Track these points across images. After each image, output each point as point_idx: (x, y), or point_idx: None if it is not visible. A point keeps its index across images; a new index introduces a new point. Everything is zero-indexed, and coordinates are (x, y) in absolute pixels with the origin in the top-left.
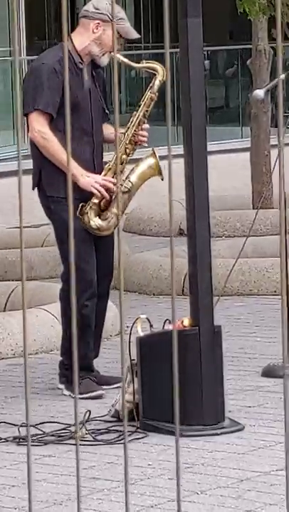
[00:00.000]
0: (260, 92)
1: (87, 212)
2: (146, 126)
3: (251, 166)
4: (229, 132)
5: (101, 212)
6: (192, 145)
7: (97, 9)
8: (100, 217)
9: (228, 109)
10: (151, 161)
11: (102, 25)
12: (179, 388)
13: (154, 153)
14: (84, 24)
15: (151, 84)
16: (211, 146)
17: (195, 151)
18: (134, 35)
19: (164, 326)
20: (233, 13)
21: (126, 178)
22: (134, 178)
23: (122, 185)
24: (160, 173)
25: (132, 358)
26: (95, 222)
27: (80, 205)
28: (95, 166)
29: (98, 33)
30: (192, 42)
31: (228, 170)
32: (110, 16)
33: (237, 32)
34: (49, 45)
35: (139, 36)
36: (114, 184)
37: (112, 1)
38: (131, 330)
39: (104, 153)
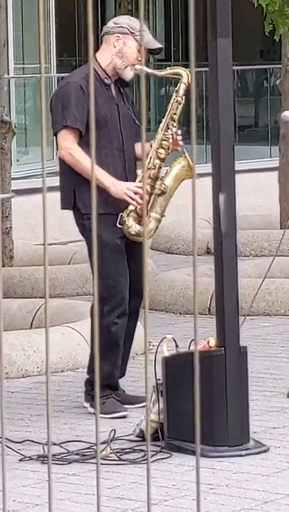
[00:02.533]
0: (288, 114)
1: (125, 220)
2: (178, 131)
3: (279, 185)
4: (258, 151)
5: (140, 218)
6: (220, 164)
7: (116, 24)
8: (138, 224)
9: (257, 128)
10: (182, 162)
11: (122, 38)
12: (205, 409)
13: (185, 154)
14: (106, 40)
15: (176, 88)
16: (239, 165)
17: (223, 169)
18: (155, 44)
19: (189, 347)
20: (263, 32)
21: (160, 181)
22: (168, 180)
23: (155, 188)
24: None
25: (158, 378)
26: (134, 228)
27: (120, 215)
28: (127, 181)
29: (119, 46)
30: (222, 62)
31: (256, 189)
32: (130, 29)
33: (267, 51)
34: (79, 62)
35: (161, 46)
36: (149, 188)
37: (140, 18)
38: (157, 349)
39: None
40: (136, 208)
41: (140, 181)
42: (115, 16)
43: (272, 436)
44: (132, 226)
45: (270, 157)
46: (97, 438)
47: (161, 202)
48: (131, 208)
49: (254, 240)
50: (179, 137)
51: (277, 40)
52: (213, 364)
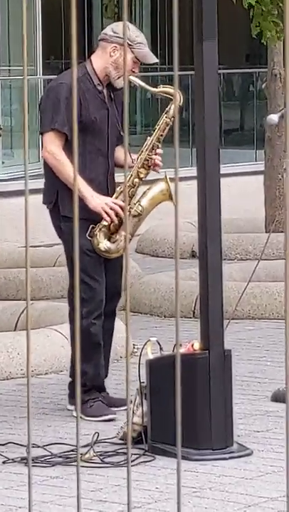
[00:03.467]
0: (274, 117)
1: (96, 235)
2: (160, 151)
3: (265, 189)
4: (243, 155)
5: (110, 234)
6: (205, 167)
7: (115, 33)
8: (109, 240)
9: (243, 132)
10: (162, 186)
11: (120, 49)
12: (189, 412)
13: (166, 178)
14: (102, 47)
15: (167, 109)
16: (225, 169)
17: (208, 173)
18: (152, 59)
19: (174, 349)
20: (250, 36)
21: (137, 202)
22: (145, 202)
23: (132, 208)
24: (171, 198)
25: (142, 381)
26: (104, 244)
27: (90, 226)
28: (108, 187)
29: (115, 56)
30: (207, 65)
31: (242, 193)
32: (128, 41)
33: (253, 55)
34: (66, 65)
35: (157, 61)
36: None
37: (129, 25)
38: (141, 352)
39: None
40: (109, 224)
41: (116, 197)
42: (102, 19)
43: (256, 439)
44: (102, 242)
45: (256, 161)
46: (78, 440)
47: (135, 222)
48: (104, 223)
49: (239, 244)
50: (160, 158)
51: (264, 44)
52: (197, 367)
